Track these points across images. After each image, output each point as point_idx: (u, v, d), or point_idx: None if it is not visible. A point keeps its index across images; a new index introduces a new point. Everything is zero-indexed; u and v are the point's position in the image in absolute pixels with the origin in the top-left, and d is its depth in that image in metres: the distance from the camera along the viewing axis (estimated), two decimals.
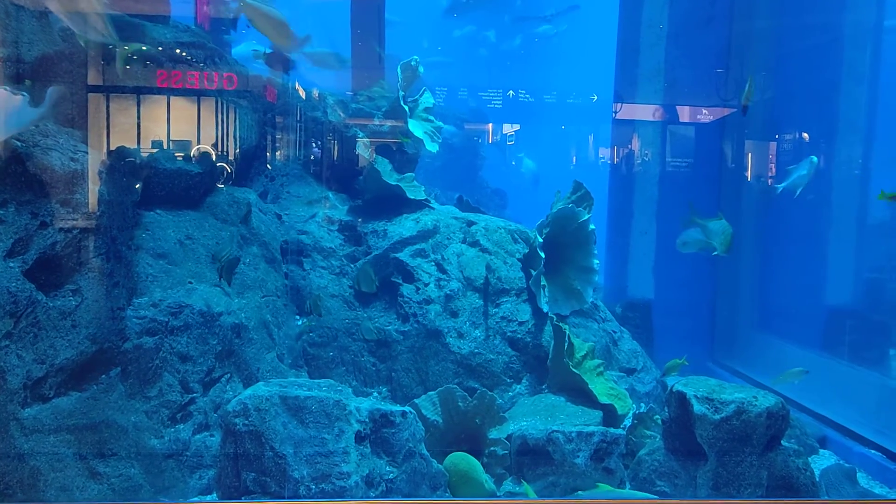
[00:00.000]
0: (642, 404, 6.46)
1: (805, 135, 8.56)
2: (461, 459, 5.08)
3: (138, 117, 6.02)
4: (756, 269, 8.83)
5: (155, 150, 5.94)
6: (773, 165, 8.90)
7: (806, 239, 8.19)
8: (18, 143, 4.22)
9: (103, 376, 4.51)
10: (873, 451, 5.95)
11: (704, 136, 9.15)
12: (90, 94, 5.59)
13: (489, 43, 14.54)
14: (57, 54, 5.36)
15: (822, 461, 6.00)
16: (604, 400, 5.64)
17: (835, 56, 7.87)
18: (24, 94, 4.23)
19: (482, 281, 6.46)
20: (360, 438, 4.54)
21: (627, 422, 5.74)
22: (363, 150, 7.40)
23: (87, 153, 4.67)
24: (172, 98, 6.14)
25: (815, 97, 8.14)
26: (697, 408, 4.74)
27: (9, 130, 4.55)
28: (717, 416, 4.68)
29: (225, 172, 6.42)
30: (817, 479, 4.97)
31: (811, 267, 8.05)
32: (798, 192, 6.67)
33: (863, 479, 5.63)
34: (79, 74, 5.53)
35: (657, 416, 5.69)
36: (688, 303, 8.91)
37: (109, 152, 5.65)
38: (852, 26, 7.80)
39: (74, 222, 4.39)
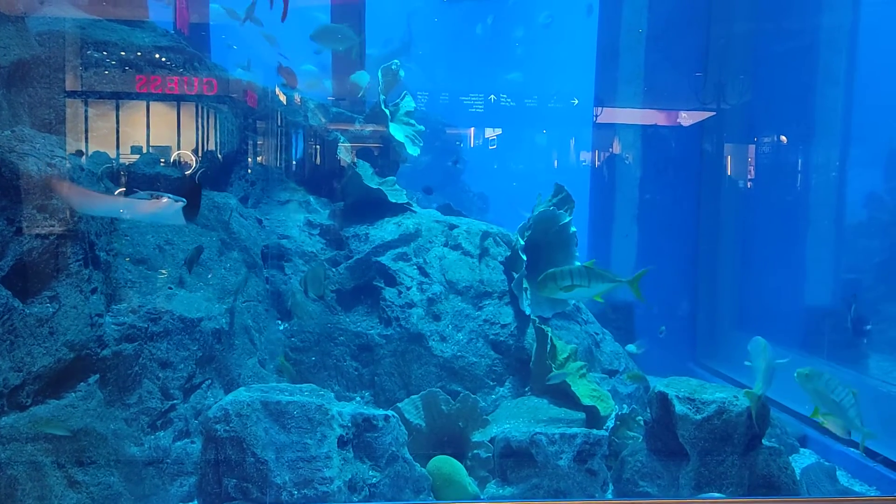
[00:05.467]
0: (625, 405, 6.49)
1: (783, 137, 8.67)
2: (444, 463, 5.08)
3: (117, 122, 5.97)
4: (736, 269, 8.91)
5: (135, 156, 5.90)
6: (752, 168, 9.00)
7: (785, 240, 8.28)
8: None
9: (82, 384, 4.45)
10: (853, 450, 6.01)
11: (684, 138, 9.24)
12: (68, 100, 5.55)
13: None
14: (34, 59, 5.30)
15: (802, 460, 6.05)
16: (586, 402, 5.66)
17: (811, 59, 7.98)
18: (183, 200, 4.35)
19: (464, 284, 6.47)
20: (342, 443, 4.53)
21: (610, 423, 5.76)
22: (344, 154, 7.39)
23: (64, 158, 4.62)
24: (152, 103, 6.10)
25: (793, 100, 8.25)
26: (679, 408, 4.78)
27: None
28: (698, 416, 4.72)
29: (205, 177, 6.37)
30: (798, 478, 5.02)
31: (790, 267, 8.14)
32: None
33: (843, 478, 5.69)
34: (56, 79, 5.47)
35: (639, 417, 5.72)
36: (669, 304, 8.97)
37: (87, 157, 5.60)
38: (828, 30, 7.91)
39: (51, 228, 4.33)
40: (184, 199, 4.28)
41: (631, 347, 7.43)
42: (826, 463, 5.85)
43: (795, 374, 4.62)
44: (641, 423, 5.57)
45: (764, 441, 4.90)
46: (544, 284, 5.24)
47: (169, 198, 4.28)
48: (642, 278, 5.19)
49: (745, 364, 5.10)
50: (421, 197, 8.95)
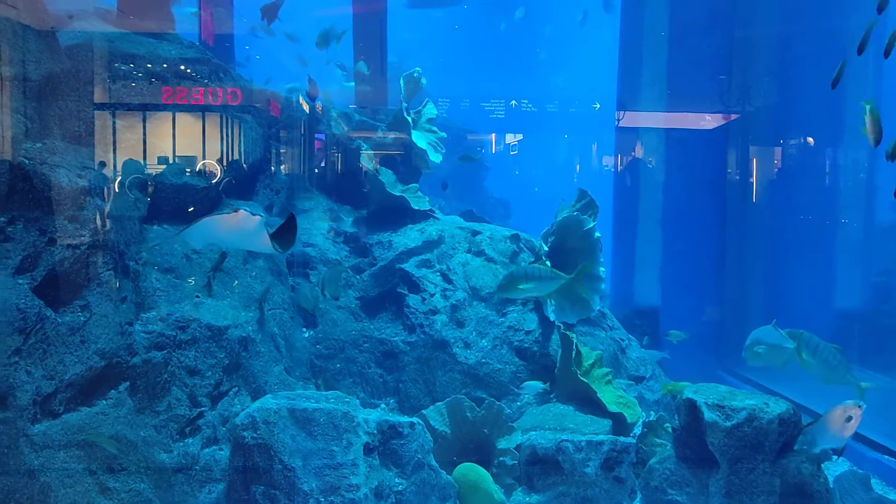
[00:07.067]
0: (651, 412, 6.42)
1: (810, 139, 8.56)
2: (470, 470, 5.06)
3: (144, 133, 6.06)
4: (764, 274, 8.79)
5: (162, 166, 5.98)
6: (779, 170, 8.90)
7: (813, 243, 8.16)
8: (26, 161, 4.25)
9: (112, 391, 4.51)
10: (887, 457, 5.90)
11: (708, 142, 9.15)
12: (97, 112, 5.64)
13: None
14: (64, 72, 5.40)
15: (835, 467, 5.94)
16: (613, 408, 5.61)
17: (838, 60, 7.87)
18: (262, 215, 4.03)
19: (488, 290, 6.45)
20: (368, 450, 4.53)
21: (637, 430, 5.70)
22: (367, 161, 7.43)
23: (94, 170, 4.70)
24: (178, 114, 6.18)
25: (820, 102, 8.13)
26: (708, 415, 4.72)
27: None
28: (728, 423, 4.65)
29: (230, 186, 6.44)
30: (831, 486, 4.93)
31: (819, 271, 8.02)
32: None
33: (877, 485, 5.58)
34: (85, 92, 5.57)
35: (667, 424, 5.66)
36: (695, 309, 8.87)
37: (116, 169, 5.69)
38: (855, 30, 7.79)
39: (82, 238, 4.40)
40: (261, 213, 4.02)
41: (644, 341, 7.41)
42: (859, 470, 5.73)
43: (772, 324, 4.85)
44: (669, 430, 5.51)
45: (795, 448, 4.82)
46: (504, 285, 5.56)
47: (245, 211, 4.00)
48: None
49: (757, 351, 5.08)
50: (444, 203, 8.97)
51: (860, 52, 4.16)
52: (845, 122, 7.84)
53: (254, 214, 3.99)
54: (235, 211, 4.02)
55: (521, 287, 5.42)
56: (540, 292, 5.77)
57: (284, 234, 4.00)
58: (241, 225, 3.98)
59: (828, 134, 8.19)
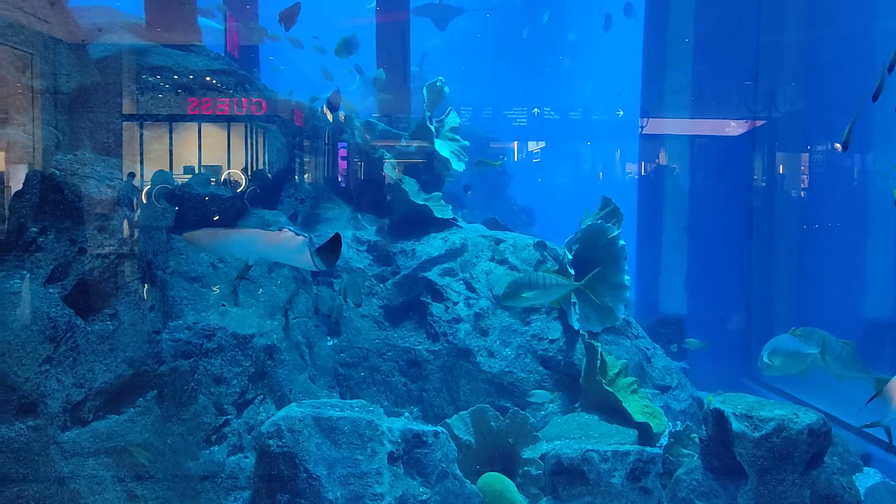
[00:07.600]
0: (678, 422, 6.33)
1: (838, 145, 8.42)
2: (495, 479, 5.04)
3: (171, 144, 6.15)
4: (792, 281, 8.66)
5: (187, 176, 6.06)
6: (806, 177, 8.77)
7: (842, 250, 8.03)
8: (57, 173, 4.33)
9: (140, 399, 4.56)
10: None
11: (734, 148, 9.05)
12: (125, 123, 5.74)
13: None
14: (94, 85, 5.52)
15: (867, 479, 5.82)
16: (639, 418, 5.56)
17: (866, 65, 7.76)
18: (306, 235, 4.13)
19: None
20: (392, 459, 4.53)
21: (664, 440, 5.63)
22: (390, 170, 7.46)
23: (123, 180, 4.77)
24: (204, 124, 6.26)
25: (848, 107, 8.01)
26: (736, 425, 4.65)
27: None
28: (756, 434, 4.58)
29: (255, 195, 6.50)
30: (862, 498, 4.83)
31: (848, 278, 7.88)
32: None
33: None
34: (114, 104, 5.68)
35: (694, 435, 5.59)
36: (722, 317, 8.76)
37: (151, 177, 5.78)
38: (883, 35, 7.68)
39: (111, 248, 4.47)
40: (306, 234, 4.12)
41: (674, 348, 7.34)
42: (892, 482, 5.62)
43: (789, 332, 4.75)
44: (696, 440, 5.43)
45: (826, 459, 4.73)
46: (507, 293, 5.36)
47: (291, 230, 4.12)
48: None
49: (766, 362, 4.99)
50: (467, 212, 8.98)
51: (875, 99, 4.10)
52: (874, 127, 7.71)
53: (298, 234, 4.07)
54: (280, 230, 4.15)
55: (524, 295, 5.30)
56: (545, 300, 5.61)
57: (327, 252, 4.05)
58: (286, 244, 4.07)
59: (856, 139, 8.06)
